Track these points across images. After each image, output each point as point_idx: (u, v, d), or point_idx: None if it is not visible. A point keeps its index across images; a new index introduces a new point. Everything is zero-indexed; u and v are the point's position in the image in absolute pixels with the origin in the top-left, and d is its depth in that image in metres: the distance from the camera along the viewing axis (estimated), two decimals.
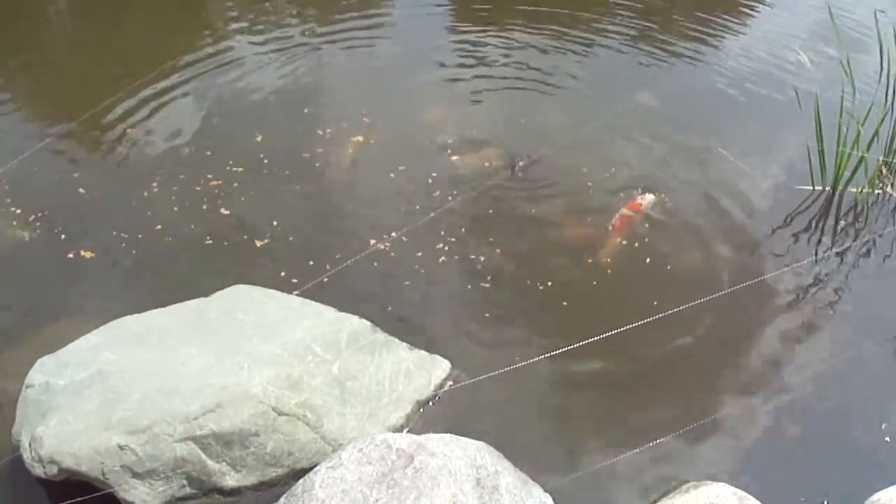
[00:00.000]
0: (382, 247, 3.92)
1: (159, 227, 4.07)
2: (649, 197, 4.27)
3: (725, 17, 6.38)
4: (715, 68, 5.63)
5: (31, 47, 5.83)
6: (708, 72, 5.59)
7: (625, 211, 4.19)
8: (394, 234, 3.95)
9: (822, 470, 3.08)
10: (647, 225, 4.14)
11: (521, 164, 4.42)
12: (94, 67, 5.54)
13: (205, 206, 4.20)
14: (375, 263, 3.85)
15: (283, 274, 3.77)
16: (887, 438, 3.16)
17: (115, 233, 4.04)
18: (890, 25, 4.47)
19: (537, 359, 3.18)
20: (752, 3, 6.72)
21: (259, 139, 4.73)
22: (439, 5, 6.55)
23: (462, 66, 5.57)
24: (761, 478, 2.98)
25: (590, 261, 3.90)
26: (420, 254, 3.92)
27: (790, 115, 4.61)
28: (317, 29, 6.13)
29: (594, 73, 5.56)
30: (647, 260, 3.95)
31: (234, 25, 6.12)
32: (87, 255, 3.91)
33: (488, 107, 5.13)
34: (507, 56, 5.69)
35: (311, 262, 3.83)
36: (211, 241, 3.99)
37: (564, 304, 3.69)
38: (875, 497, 2.79)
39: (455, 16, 6.41)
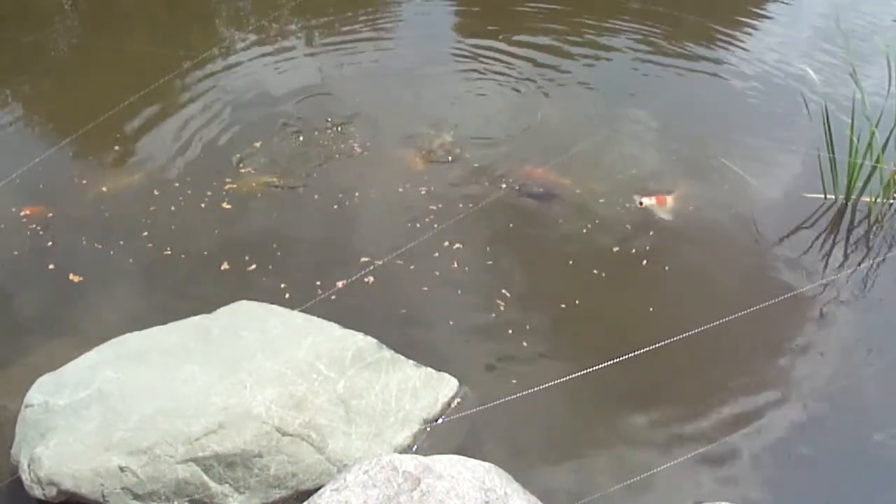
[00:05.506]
0: (389, 262, 3.85)
1: (160, 241, 4.03)
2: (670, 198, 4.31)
3: (732, 25, 6.33)
4: (722, 77, 5.57)
5: (38, 61, 5.82)
6: (715, 81, 5.53)
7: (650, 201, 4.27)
8: (402, 249, 3.87)
9: (838, 491, 3.00)
10: (665, 239, 4.07)
11: (552, 192, 4.36)
12: (97, 80, 5.54)
13: (208, 220, 4.16)
14: (382, 279, 3.79)
15: (286, 289, 3.72)
16: None
17: (116, 248, 4.00)
18: None
19: (548, 385, 3.10)
20: (760, 12, 6.66)
21: (262, 148, 4.69)
22: (448, 14, 6.51)
23: (471, 78, 5.53)
24: (773, 499, 2.90)
25: (599, 279, 3.83)
26: (428, 269, 3.86)
27: (799, 123, 4.54)
28: (322, 39, 6.10)
29: (601, 83, 5.52)
30: (645, 263, 3.89)
31: (239, 36, 6.10)
32: (89, 271, 3.86)
33: (495, 119, 5.08)
34: (513, 68, 5.66)
35: (315, 278, 3.77)
36: (213, 256, 3.94)
37: (576, 322, 3.62)
38: None
39: (463, 28, 6.37)
